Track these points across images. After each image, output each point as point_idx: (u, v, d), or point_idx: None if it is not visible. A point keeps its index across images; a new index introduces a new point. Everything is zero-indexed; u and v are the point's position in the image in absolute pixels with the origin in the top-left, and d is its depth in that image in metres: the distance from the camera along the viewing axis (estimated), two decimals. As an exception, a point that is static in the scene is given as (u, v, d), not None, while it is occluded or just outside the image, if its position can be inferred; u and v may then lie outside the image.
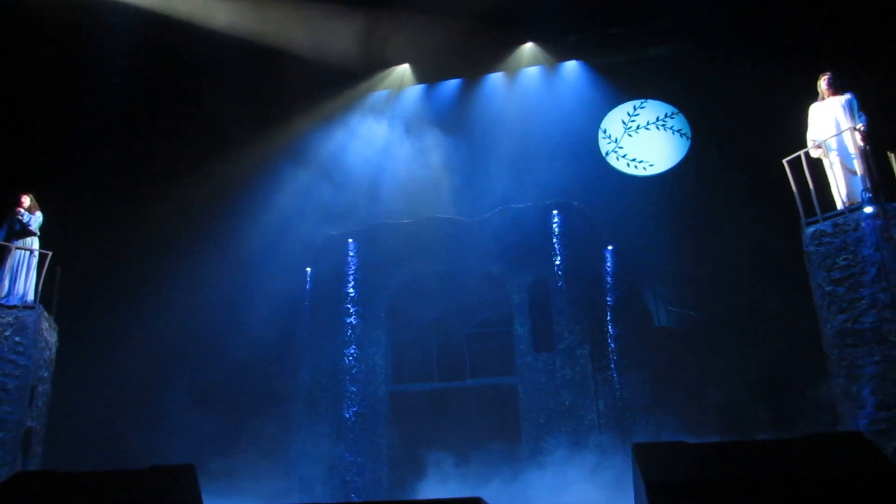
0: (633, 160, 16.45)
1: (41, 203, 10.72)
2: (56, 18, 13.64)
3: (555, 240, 14.04)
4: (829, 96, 8.89)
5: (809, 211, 8.73)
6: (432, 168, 16.63)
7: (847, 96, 8.77)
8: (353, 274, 14.85)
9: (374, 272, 14.79)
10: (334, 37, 15.69)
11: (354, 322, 14.52)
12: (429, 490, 12.20)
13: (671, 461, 3.74)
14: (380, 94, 17.86)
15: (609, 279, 13.84)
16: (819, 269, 8.38)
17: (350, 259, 14.95)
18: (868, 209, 8.03)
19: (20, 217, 10.24)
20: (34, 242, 10.48)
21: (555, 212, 14.18)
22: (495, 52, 17.00)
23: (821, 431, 4.28)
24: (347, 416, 13.93)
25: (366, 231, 15.21)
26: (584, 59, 16.89)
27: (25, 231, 10.32)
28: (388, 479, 13.41)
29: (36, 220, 10.42)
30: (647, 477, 3.54)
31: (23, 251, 10.31)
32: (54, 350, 11.13)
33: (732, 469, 3.61)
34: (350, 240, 15.12)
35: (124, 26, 14.18)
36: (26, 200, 10.50)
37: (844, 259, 8.11)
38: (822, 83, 8.97)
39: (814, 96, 9.06)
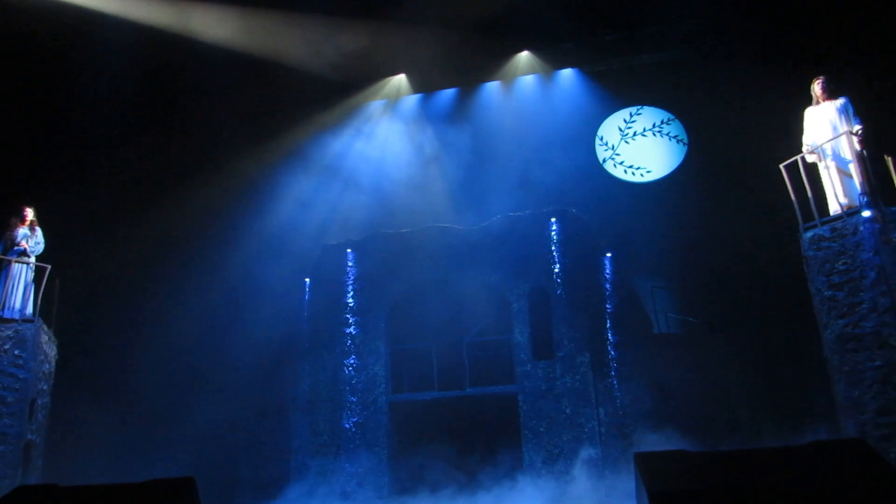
0: (631, 167, 16.48)
1: (40, 216, 10.77)
2: (54, 33, 13.70)
3: (553, 247, 14.04)
4: (823, 100, 8.91)
5: (807, 215, 8.75)
6: (430, 177, 16.66)
7: (842, 100, 8.79)
8: (351, 284, 14.84)
9: (373, 282, 14.78)
10: (330, 48, 15.74)
11: (354, 332, 14.51)
12: (429, 500, 12.17)
13: (673, 470, 3.73)
14: (376, 105, 17.91)
15: (608, 286, 13.82)
16: (818, 274, 8.39)
17: (349, 269, 14.95)
18: (866, 213, 8.05)
19: (20, 240, 10.33)
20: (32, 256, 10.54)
21: (553, 219, 14.19)
22: (491, 60, 17.04)
23: (822, 438, 4.27)
24: (347, 426, 13.90)
25: (364, 241, 15.21)
26: (579, 67, 16.94)
27: (24, 251, 10.39)
28: (388, 490, 13.37)
29: (35, 242, 10.49)
30: (650, 486, 3.53)
31: (21, 264, 10.34)
32: (54, 363, 11.13)
33: (735, 477, 3.60)
34: (348, 250, 15.12)
35: (120, 40, 14.22)
36: (29, 214, 10.56)
37: (843, 263, 8.12)
38: (816, 87, 8.99)
39: (809, 100, 9.08)
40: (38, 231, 10.63)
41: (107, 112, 14.88)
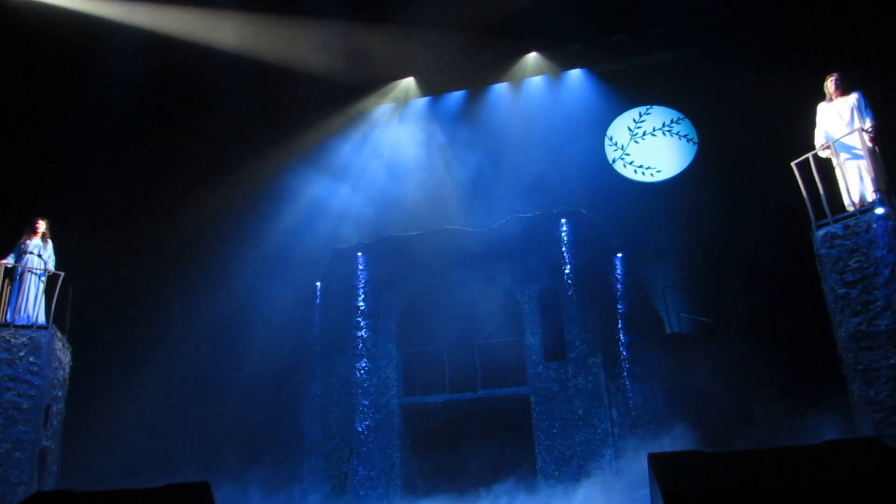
0: (641, 166, 16.44)
1: (52, 223, 10.85)
2: (65, 43, 13.81)
3: (564, 248, 13.98)
4: (836, 97, 8.85)
5: (819, 213, 8.69)
6: (439, 179, 16.68)
7: (855, 96, 8.72)
8: (362, 287, 14.84)
9: (384, 285, 14.79)
10: (338, 52, 15.81)
11: (365, 335, 14.52)
12: (442, 503, 12.16)
13: (688, 471, 3.72)
14: (385, 108, 17.96)
15: (619, 286, 13.75)
16: (831, 272, 8.33)
17: (359, 272, 14.95)
18: (879, 210, 7.99)
19: (31, 250, 10.40)
20: (44, 265, 10.61)
21: (563, 220, 14.13)
22: (499, 62, 17.07)
23: (837, 437, 4.24)
24: (360, 429, 13.91)
25: (374, 244, 15.22)
26: (588, 67, 16.93)
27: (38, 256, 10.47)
28: (401, 493, 13.37)
29: (49, 256, 10.58)
30: (664, 487, 3.52)
31: (34, 273, 10.42)
32: (68, 369, 11.21)
33: (750, 478, 3.57)
34: (359, 253, 15.13)
35: (129, 49, 14.34)
36: (41, 226, 10.62)
37: (857, 261, 8.06)
38: (830, 84, 8.93)
39: (820, 97, 9.03)
40: (50, 244, 10.70)
41: (118, 120, 15.00)
